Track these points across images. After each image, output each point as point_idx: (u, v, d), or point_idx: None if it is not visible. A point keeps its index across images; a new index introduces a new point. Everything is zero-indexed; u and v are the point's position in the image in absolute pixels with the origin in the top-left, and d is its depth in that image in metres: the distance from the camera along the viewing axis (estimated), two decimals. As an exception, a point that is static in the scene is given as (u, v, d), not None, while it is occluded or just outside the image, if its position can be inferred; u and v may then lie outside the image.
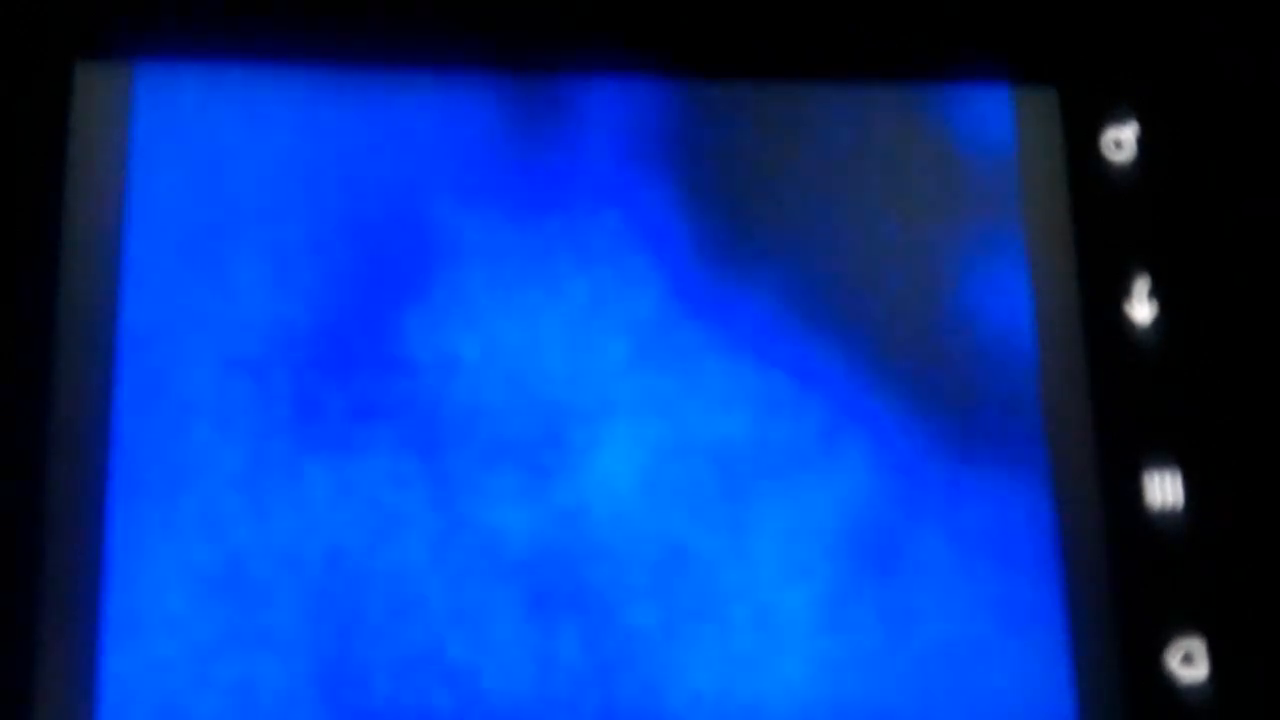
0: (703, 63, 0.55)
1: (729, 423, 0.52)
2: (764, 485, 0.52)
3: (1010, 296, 0.54)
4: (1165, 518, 0.52)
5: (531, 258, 0.53)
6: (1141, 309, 0.54)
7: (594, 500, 0.51)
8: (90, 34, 0.52)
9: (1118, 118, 0.56)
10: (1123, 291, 0.54)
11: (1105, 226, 0.55)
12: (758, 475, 0.52)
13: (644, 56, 0.54)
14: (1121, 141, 0.56)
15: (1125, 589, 0.52)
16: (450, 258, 0.52)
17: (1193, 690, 0.51)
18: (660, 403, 0.52)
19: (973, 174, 0.55)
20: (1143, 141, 0.56)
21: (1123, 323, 0.54)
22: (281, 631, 0.49)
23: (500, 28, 0.54)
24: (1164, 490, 0.53)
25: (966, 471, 0.52)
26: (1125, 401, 0.53)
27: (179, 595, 0.49)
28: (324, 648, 0.49)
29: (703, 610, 0.50)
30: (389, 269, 0.52)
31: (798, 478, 0.52)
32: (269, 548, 0.49)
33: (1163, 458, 0.53)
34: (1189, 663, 0.51)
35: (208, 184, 0.52)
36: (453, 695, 0.49)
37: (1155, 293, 0.54)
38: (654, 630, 0.50)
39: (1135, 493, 0.52)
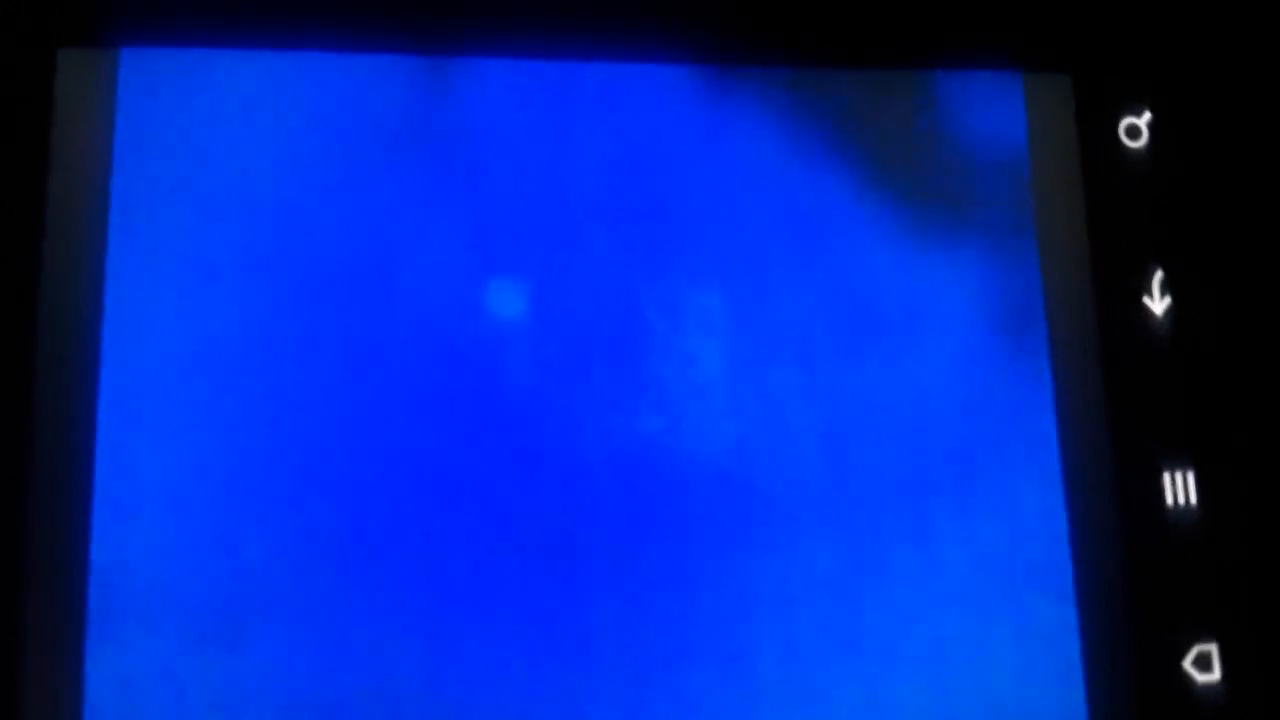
0: (716, 49, 0.54)
1: None
2: None
3: (1019, 290, 0.54)
4: (1181, 517, 0.52)
5: (524, 240, 0.53)
6: (1157, 300, 0.54)
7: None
8: (74, 21, 0.52)
9: (1132, 105, 0.55)
10: (1138, 283, 0.54)
11: (1120, 214, 0.55)
12: None
13: (647, 46, 0.54)
14: (1136, 128, 0.55)
15: (1141, 592, 0.52)
16: (438, 244, 0.52)
17: (1207, 692, 0.51)
18: None
19: (985, 161, 0.55)
20: (1157, 128, 0.55)
21: (1138, 315, 0.54)
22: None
23: (496, 16, 0.54)
24: (1180, 490, 0.52)
25: (976, 481, 0.52)
26: (1141, 401, 0.53)
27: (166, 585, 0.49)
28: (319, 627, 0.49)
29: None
30: (375, 251, 0.52)
31: None
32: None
33: (1178, 457, 0.53)
34: (1203, 665, 0.51)
35: (191, 169, 0.51)
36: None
37: (1170, 284, 0.54)
38: None
39: (1152, 492, 0.52)
